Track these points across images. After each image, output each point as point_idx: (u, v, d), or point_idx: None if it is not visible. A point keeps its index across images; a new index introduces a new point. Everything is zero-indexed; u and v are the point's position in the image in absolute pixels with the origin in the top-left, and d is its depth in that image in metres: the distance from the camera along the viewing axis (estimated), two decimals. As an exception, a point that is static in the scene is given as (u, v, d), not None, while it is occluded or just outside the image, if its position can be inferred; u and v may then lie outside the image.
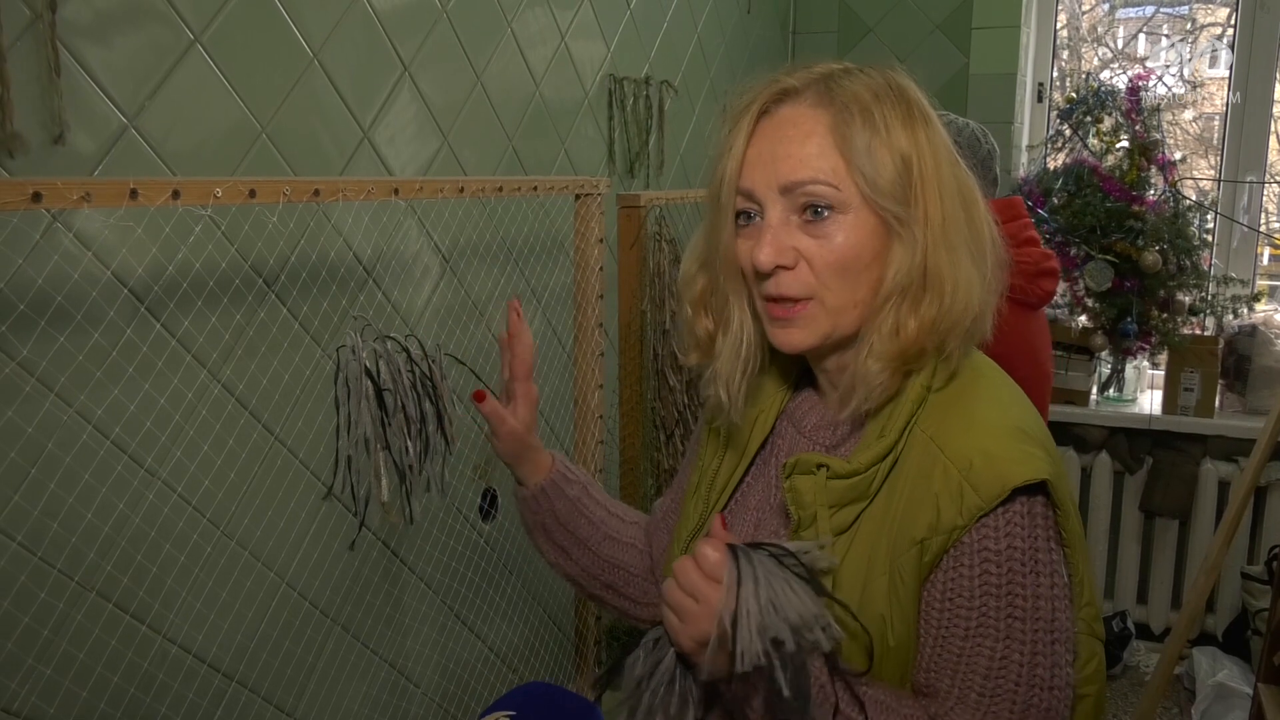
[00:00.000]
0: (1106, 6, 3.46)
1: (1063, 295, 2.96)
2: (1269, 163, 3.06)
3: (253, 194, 1.16)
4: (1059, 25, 3.30)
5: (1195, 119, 3.37)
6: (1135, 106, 2.89)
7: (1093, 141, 2.99)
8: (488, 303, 1.94)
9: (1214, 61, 3.35)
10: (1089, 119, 2.98)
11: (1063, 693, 0.83)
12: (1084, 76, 3.18)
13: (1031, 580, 0.82)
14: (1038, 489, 0.83)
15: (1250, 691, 2.41)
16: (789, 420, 0.99)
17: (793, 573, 0.79)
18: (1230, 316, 2.94)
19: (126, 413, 1.28)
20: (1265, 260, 3.23)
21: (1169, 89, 3.15)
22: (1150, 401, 3.05)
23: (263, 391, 1.48)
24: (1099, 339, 2.96)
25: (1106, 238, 2.85)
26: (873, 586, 0.84)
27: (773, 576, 0.78)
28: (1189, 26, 3.32)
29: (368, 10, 1.61)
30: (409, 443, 1.40)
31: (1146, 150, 2.88)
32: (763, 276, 0.88)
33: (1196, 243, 2.87)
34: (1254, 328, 2.93)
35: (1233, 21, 3.09)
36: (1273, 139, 3.05)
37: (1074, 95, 3.03)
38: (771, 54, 3.18)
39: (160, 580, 1.35)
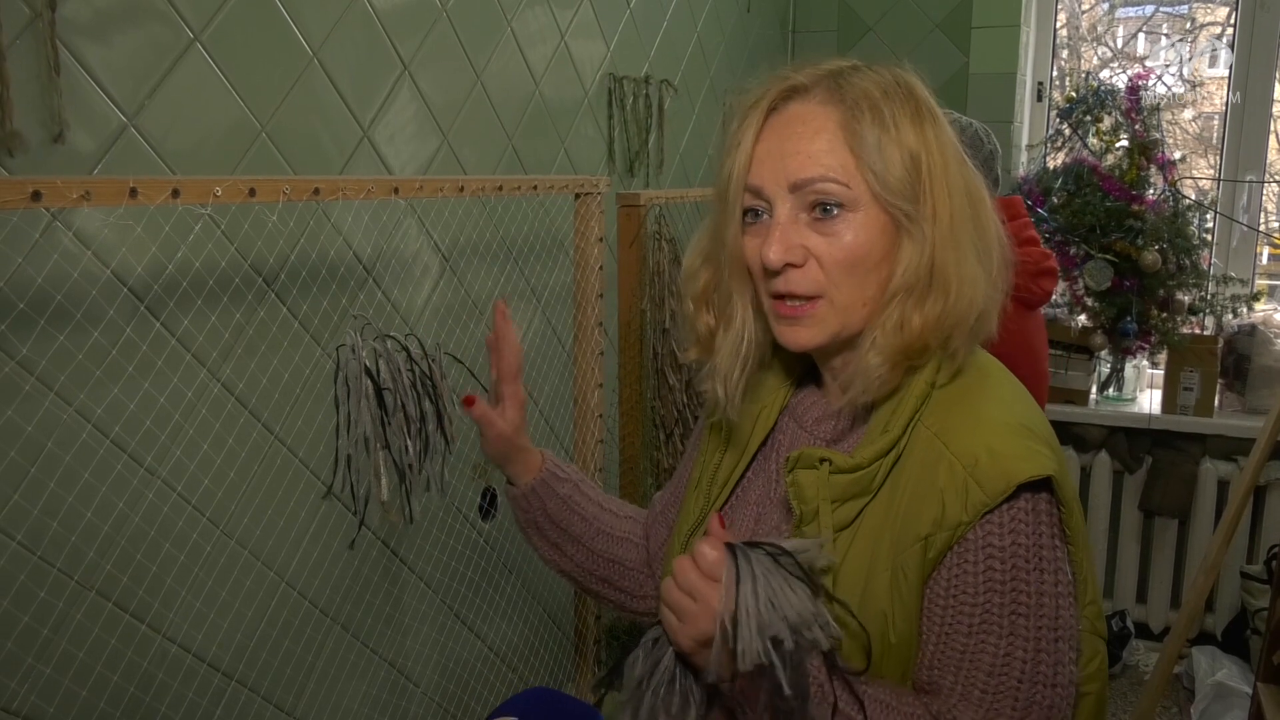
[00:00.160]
0: (1106, 6, 3.46)
1: (1062, 294, 2.96)
2: (1268, 162, 3.06)
3: (253, 193, 1.16)
4: (1058, 24, 3.30)
5: (1195, 118, 3.37)
6: (1135, 106, 2.89)
7: (1092, 141, 2.99)
8: (487, 302, 1.94)
9: (1213, 61, 3.35)
10: (1089, 118, 2.98)
11: (1065, 690, 0.83)
12: (1084, 76, 3.18)
13: (1036, 577, 0.82)
14: (1042, 486, 0.83)
15: (1249, 691, 2.41)
16: (791, 416, 0.99)
17: (790, 571, 0.79)
18: (1230, 316, 2.94)
19: (126, 412, 1.28)
20: (1264, 260, 3.23)
21: (1168, 88, 3.15)
22: (1150, 401, 3.05)
23: (262, 390, 1.48)
24: (1098, 338, 2.96)
25: (1106, 237, 2.85)
26: (875, 582, 0.84)
27: (770, 575, 0.78)
28: (1188, 26, 3.32)
29: (367, 9, 1.61)
30: (409, 442, 1.40)
31: (1146, 149, 2.88)
32: (771, 274, 0.88)
33: (1196, 242, 2.87)
34: (1253, 327, 2.92)
35: (1232, 21, 3.09)
36: (1272, 138, 3.05)
37: (1074, 94, 3.03)
38: (771, 53, 3.18)
39: (160, 579, 1.35)
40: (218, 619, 1.44)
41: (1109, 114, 2.95)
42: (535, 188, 1.71)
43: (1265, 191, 3.08)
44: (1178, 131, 3.29)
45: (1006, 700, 0.81)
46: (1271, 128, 3.03)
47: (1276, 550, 2.70)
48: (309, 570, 1.58)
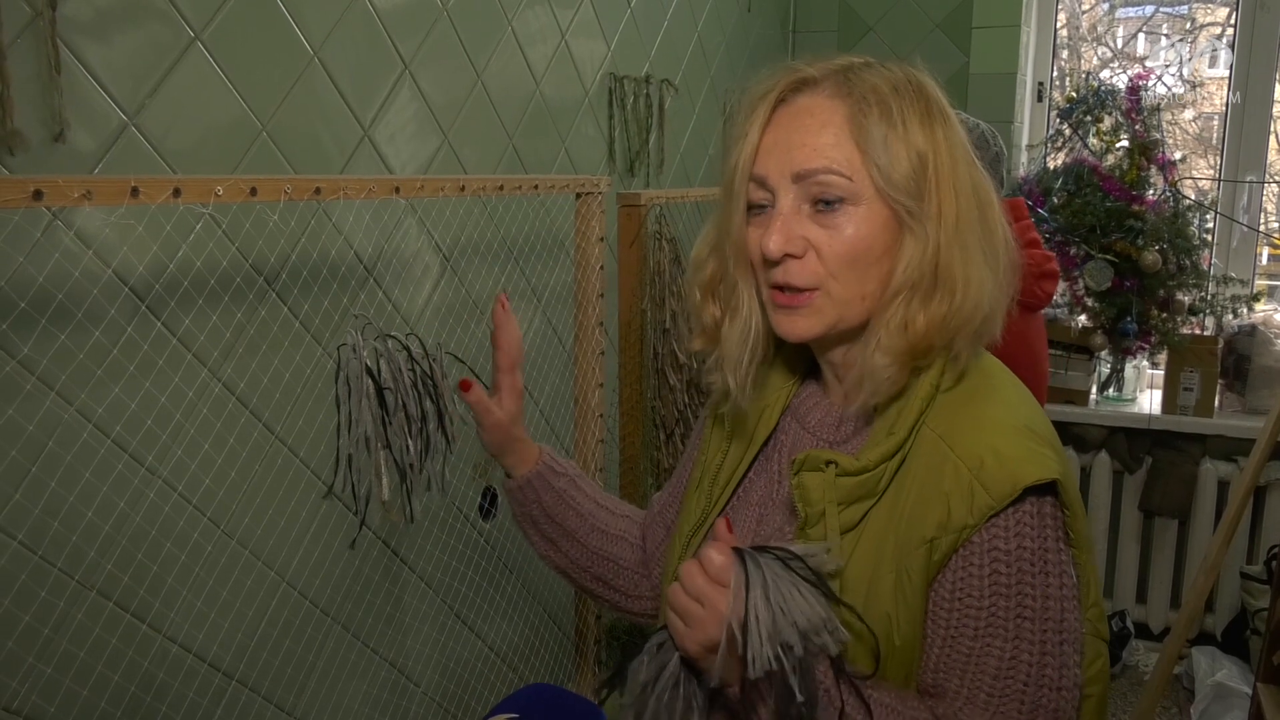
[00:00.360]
0: (1106, 6, 3.46)
1: (1062, 295, 2.96)
2: (1268, 162, 3.06)
3: (254, 192, 1.16)
4: (1059, 24, 3.30)
5: (1195, 119, 3.37)
6: (1135, 106, 2.89)
7: (1093, 141, 2.99)
8: (488, 301, 1.94)
9: (1213, 61, 3.35)
10: (1089, 118, 2.98)
11: (1070, 693, 0.83)
12: (1084, 76, 3.18)
13: (1041, 580, 0.82)
14: (1048, 489, 0.83)
15: (1249, 691, 2.41)
16: (793, 416, 0.99)
17: (800, 576, 0.79)
18: (1230, 316, 2.94)
19: (127, 411, 1.28)
20: (1264, 260, 3.24)
21: (1169, 89, 3.15)
22: (1150, 401, 3.06)
23: (263, 390, 1.48)
24: (1098, 338, 2.97)
25: (1106, 237, 2.85)
26: (879, 585, 0.84)
27: (780, 580, 0.78)
28: (1188, 26, 3.32)
29: (368, 8, 1.61)
30: (409, 441, 1.39)
31: (1146, 150, 2.88)
32: (771, 264, 0.87)
33: (1196, 242, 2.87)
34: (1253, 327, 2.93)
35: (1232, 21, 3.09)
36: (1272, 139, 3.05)
37: (1074, 95, 3.03)
38: (772, 52, 3.18)
39: (161, 579, 1.34)
40: (218, 619, 1.44)
41: (1109, 114, 2.96)
42: (536, 187, 1.71)
43: (1265, 192, 3.08)
44: (1178, 132, 3.29)
45: (1012, 703, 0.81)
46: (1271, 128, 3.04)
47: (1276, 550, 2.70)
48: (310, 570, 1.58)
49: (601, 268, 1.89)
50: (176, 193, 1.08)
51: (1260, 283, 3.16)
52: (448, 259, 1.84)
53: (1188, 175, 3.05)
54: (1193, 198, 3.00)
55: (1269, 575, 2.69)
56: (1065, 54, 3.43)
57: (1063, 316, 3.01)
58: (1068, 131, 3.04)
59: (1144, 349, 2.95)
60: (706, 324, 0.98)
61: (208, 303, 1.38)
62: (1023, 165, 3.19)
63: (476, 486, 1.84)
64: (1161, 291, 2.86)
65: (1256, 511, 2.88)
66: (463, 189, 1.52)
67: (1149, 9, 3.38)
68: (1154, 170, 2.89)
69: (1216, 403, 2.92)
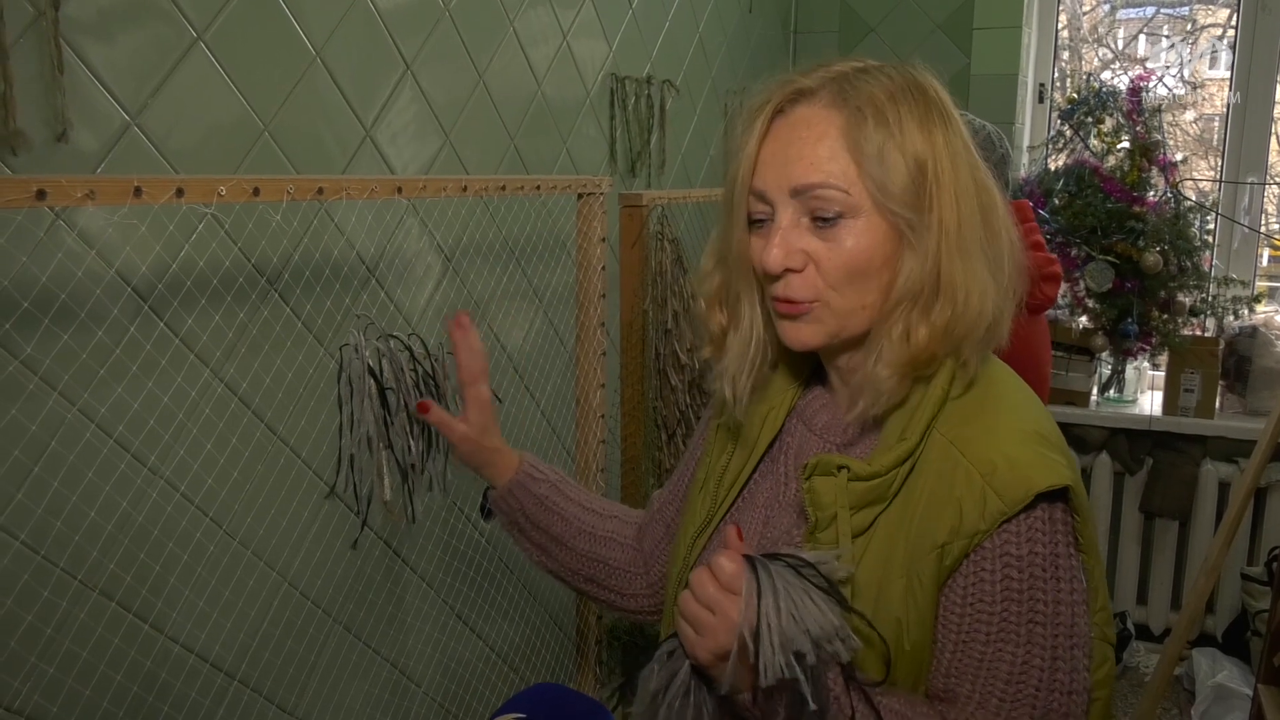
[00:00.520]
0: (1107, 7, 3.46)
1: (1063, 296, 2.97)
2: (1269, 163, 3.06)
3: (257, 192, 1.16)
4: (1060, 26, 3.30)
5: (1196, 120, 3.37)
6: (1136, 107, 2.89)
7: (1094, 142, 2.99)
8: (490, 302, 1.94)
9: (1214, 62, 3.35)
10: (1090, 120, 2.98)
11: (1080, 697, 0.83)
12: (1085, 77, 3.19)
13: (1052, 586, 0.82)
14: (1059, 495, 0.83)
15: (1250, 693, 2.41)
16: (799, 418, 0.99)
17: (811, 583, 0.79)
18: (1231, 318, 2.94)
19: (130, 411, 1.28)
20: (1265, 261, 3.24)
21: (1169, 90, 3.15)
22: (1150, 402, 3.06)
23: (266, 390, 1.48)
24: (1099, 340, 2.97)
25: (1107, 238, 2.86)
26: (889, 589, 0.84)
27: (791, 588, 0.78)
28: (1189, 27, 3.32)
29: (370, 9, 1.61)
30: (411, 441, 1.39)
31: (1147, 151, 2.88)
32: (771, 278, 0.88)
33: (1197, 244, 2.87)
34: (1254, 329, 2.93)
35: (1233, 22, 3.09)
36: (1273, 140, 3.05)
37: (1075, 96, 3.03)
38: (773, 53, 3.18)
39: (163, 579, 1.34)
40: (220, 619, 1.44)
41: (1110, 115, 2.96)
42: (538, 188, 1.71)
43: (1266, 193, 3.08)
44: (1179, 133, 3.29)
45: (1024, 708, 0.81)
46: (1272, 129, 3.04)
47: (1277, 552, 2.70)
48: (311, 570, 1.58)
49: (603, 268, 1.90)
50: (180, 193, 1.08)
51: (1261, 284, 3.16)
52: (449, 259, 1.84)
53: (1189, 176, 3.06)
54: (1194, 199, 3.01)
55: (1269, 577, 2.69)
56: (1066, 55, 3.44)
57: (1064, 318, 3.01)
58: (1069, 133, 3.04)
59: (1145, 350, 2.96)
60: (714, 332, 0.99)
61: (210, 303, 1.38)
62: (1024, 167, 3.19)
63: (478, 486, 1.83)
64: (1162, 293, 2.86)
65: (1257, 513, 2.88)
66: (465, 189, 1.52)
67: (1150, 10, 3.38)
68: (1155, 171, 2.89)
69: (1217, 404, 2.92)
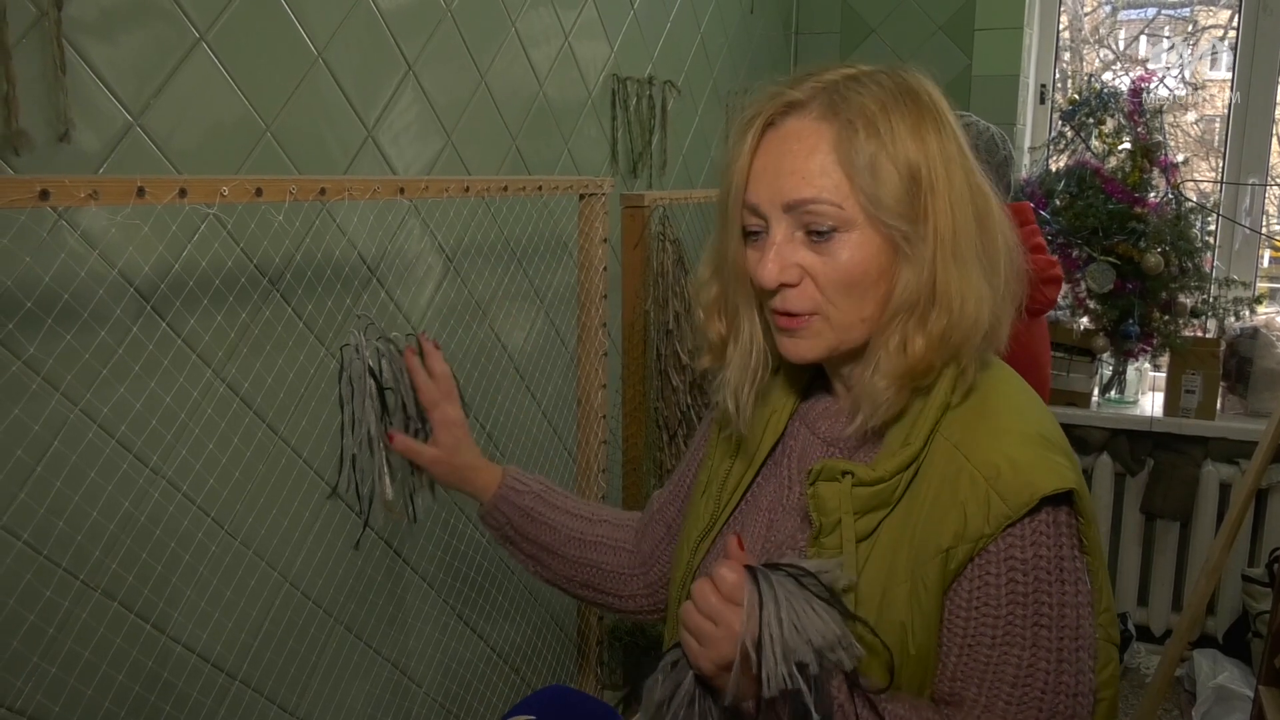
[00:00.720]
0: (1108, 8, 3.46)
1: (1064, 297, 2.96)
2: (1270, 165, 3.06)
3: (259, 192, 1.16)
4: (1061, 27, 3.30)
5: (1197, 121, 3.37)
6: (1137, 108, 2.89)
7: (1095, 143, 2.99)
8: (491, 302, 1.94)
9: (1215, 63, 3.35)
10: (1091, 121, 2.98)
11: (1086, 700, 0.83)
12: (1086, 78, 3.19)
13: (1057, 589, 0.82)
14: (1063, 498, 0.83)
15: (1251, 694, 2.41)
16: (802, 422, 0.99)
17: (813, 593, 0.79)
18: (1232, 319, 2.94)
19: (132, 411, 1.28)
20: (1266, 263, 3.23)
21: (1171, 91, 3.15)
22: (1151, 403, 3.05)
23: (267, 390, 1.48)
24: (1100, 341, 2.97)
25: (1108, 239, 2.85)
26: (893, 594, 0.84)
27: (793, 598, 0.78)
28: (1190, 28, 3.32)
29: (372, 9, 1.61)
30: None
31: (1148, 152, 2.88)
32: (768, 293, 0.88)
33: (1198, 245, 2.87)
34: (1255, 330, 2.93)
35: (1234, 23, 3.09)
36: (1274, 141, 3.05)
37: (1076, 97, 3.03)
38: (774, 54, 3.18)
39: (165, 579, 1.35)
40: (222, 618, 1.44)
41: (1111, 116, 2.96)
42: (540, 188, 1.71)
43: (1267, 194, 3.08)
44: (1180, 134, 3.29)
45: (1030, 711, 0.81)
46: (1273, 130, 3.04)
47: (1278, 553, 2.70)
48: (313, 570, 1.58)
49: (604, 269, 1.90)
50: (182, 193, 1.08)
51: (1262, 285, 3.16)
52: (450, 260, 1.84)
53: (1190, 178, 3.06)
54: (1195, 200, 3.01)
55: (1270, 578, 2.68)
56: (1067, 56, 3.44)
57: (1065, 319, 3.01)
58: (1070, 134, 3.04)
59: (1146, 351, 2.95)
60: (713, 342, 0.98)
61: (212, 303, 1.38)
62: (1025, 168, 3.19)
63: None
64: (1163, 294, 2.86)
65: (1258, 514, 2.88)
66: (467, 190, 1.52)
67: (1151, 11, 3.38)
68: (1156, 172, 2.89)
69: (1218, 405, 2.92)
